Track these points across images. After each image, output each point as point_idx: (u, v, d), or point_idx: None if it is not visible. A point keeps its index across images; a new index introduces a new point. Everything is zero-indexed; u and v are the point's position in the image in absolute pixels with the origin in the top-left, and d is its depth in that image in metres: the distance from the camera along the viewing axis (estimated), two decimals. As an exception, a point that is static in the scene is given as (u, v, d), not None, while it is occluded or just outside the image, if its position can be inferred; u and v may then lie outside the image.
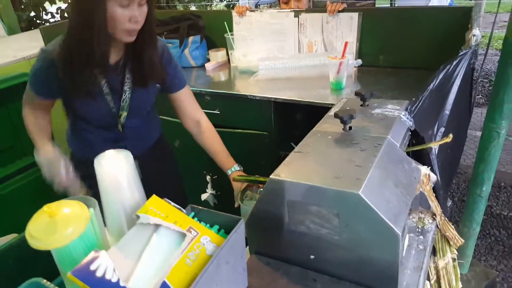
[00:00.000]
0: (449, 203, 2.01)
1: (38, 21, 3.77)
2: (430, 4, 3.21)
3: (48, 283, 0.82)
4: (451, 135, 1.08)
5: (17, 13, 3.21)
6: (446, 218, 1.06)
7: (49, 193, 2.10)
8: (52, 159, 1.23)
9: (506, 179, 3.01)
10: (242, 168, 1.38)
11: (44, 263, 1.02)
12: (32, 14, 3.73)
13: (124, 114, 1.28)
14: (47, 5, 3.84)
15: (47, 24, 3.76)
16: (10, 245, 1.53)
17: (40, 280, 0.82)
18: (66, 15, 3.79)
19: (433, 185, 1.09)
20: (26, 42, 2.69)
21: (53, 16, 3.89)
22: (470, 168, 1.85)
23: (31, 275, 0.84)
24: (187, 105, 1.40)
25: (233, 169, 1.36)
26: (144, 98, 1.32)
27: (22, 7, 3.59)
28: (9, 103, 2.02)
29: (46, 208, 0.66)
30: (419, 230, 1.03)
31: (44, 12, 3.82)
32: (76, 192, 1.22)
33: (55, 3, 3.92)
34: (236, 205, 1.27)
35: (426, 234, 1.01)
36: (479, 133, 1.73)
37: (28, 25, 3.57)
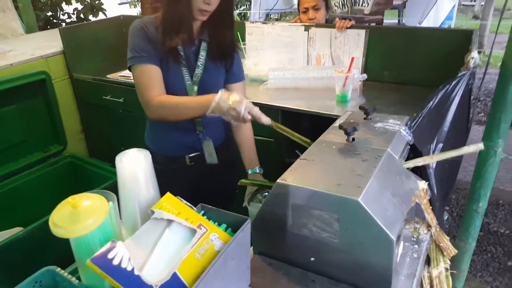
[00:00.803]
0: (446, 216, 2.05)
1: (54, 21, 3.87)
2: (426, 20, 3.30)
3: (62, 271, 0.87)
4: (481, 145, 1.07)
5: (35, 12, 3.30)
6: (441, 230, 1.11)
7: (57, 188, 2.16)
8: (224, 98, 1.19)
9: (504, 197, 3.05)
10: (262, 172, 1.47)
11: (49, 256, 1.05)
12: (49, 13, 3.83)
13: (195, 88, 1.38)
14: (64, 5, 3.94)
15: (63, 24, 3.86)
16: (17, 237, 1.58)
17: (54, 268, 0.87)
18: (82, 15, 3.89)
19: (429, 197, 1.15)
20: (43, 41, 2.77)
21: (69, 17, 3.99)
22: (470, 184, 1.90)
23: (37, 267, 0.86)
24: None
25: (255, 170, 1.46)
26: (215, 76, 1.43)
27: (40, 6, 3.69)
28: (24, 99, 2.08)
29: (70, 199, 0.72)
30: (414, 239, 1.08)
31: (61, 12, 3.93)
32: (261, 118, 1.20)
33: (71, 4, 4.03)
34: (244, 205, 1.33)
35: (421, 244, 1.06)
36: (480, 150, 1.78)
37: (45, 24, 3.67)
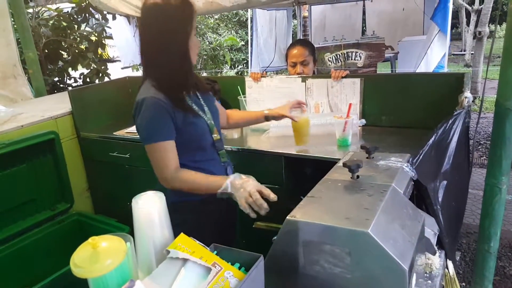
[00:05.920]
0: (458, 257, 2.01)
1: (61, 85, 4.05)
2: (418, 70, 3.46)
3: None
4: None
5: (43, 77, 3.48)
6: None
7: (64, 246, 2.15)
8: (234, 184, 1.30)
9: (517, 239, 3.00)
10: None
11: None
12: (56, 79, 4.03)
13: (214, 125, 1.49)
14: (70, 70, 4.15)
15: (70, 88, 4.04)
16: (24, 298, 1.55)
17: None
18: (88, 79, 4.08)
19: (438, 233, 1.16)
20: (52, 103, 2.89)
21: (75, 81, 4.18)
22: (481, 227, 1.89)
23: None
24: (221, 112, 1.67)
25: (266, 111, 1.73)
26: (213, 103, 1.55)
27: (48, 72, 3.88)
28: (34, 159, 2.14)
29: (91, 240, 0.75)
30: (427, 275, 1.07)
31: (67, 77, 4.12)
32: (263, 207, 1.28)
33: (78, 69, 4.24)
34: None
35: (434, 279, 1.06)
36: (485, 193, 1.79)
37: (51, 88, 3.84)
